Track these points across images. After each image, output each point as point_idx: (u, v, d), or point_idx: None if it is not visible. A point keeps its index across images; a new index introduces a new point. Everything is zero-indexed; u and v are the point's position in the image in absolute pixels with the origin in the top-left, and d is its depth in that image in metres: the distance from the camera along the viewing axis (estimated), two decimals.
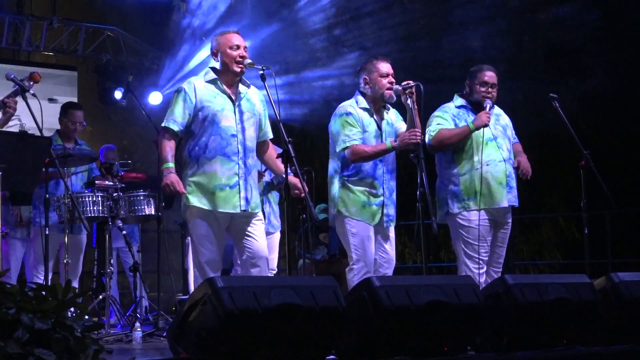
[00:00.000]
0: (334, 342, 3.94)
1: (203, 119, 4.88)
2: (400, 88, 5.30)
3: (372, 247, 5.31)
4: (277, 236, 6.57)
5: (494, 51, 9.62)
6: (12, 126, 6.99)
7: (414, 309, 3.96)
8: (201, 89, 4.93)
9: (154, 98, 10.11)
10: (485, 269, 5.52)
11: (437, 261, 10.75)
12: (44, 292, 2.93)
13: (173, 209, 8.10)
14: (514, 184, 5.62)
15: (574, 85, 10.16)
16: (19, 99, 5.24)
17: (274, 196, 6.60)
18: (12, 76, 5.25)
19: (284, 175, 4.77)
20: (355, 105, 5.43)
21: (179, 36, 10.54)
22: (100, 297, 6.62)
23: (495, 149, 5.57)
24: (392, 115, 5.55)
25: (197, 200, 4.85)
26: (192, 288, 7.40)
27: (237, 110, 4.93)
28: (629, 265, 8.35)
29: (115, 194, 6.41)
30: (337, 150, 5.38)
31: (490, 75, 5.65)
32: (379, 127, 5.44)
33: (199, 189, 4.84)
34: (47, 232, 5.71)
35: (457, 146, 5.57)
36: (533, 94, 9.46)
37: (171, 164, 4.81)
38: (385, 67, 5.40)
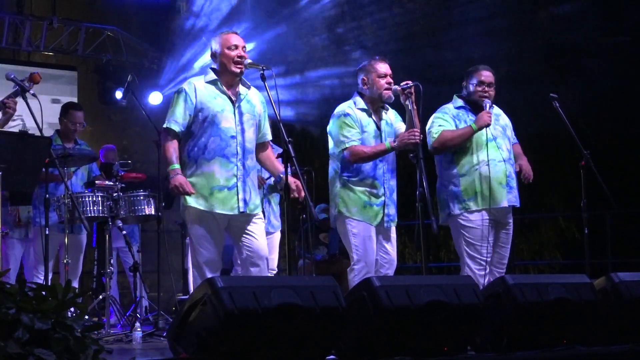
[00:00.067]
0: (334, 342, 3.94)
1: (203, 120, 4.88)
2: (399, 88, 5.31)
3: (373, 248, 5.32)
4: (277, 236, 6.57)
5: (494, 51, 9.62)
6: (14, 126, 7.02)
7: (414, 309, 3.96)
8: (201, 89, 4.93)
9: (154, 98, 10.12)
10: (488, 270, 5.52)
11: (437, 261, 10.76)
12: (44, 292, 2.93)
13: (173, 209, 8.11)
14: (514, 184, 5.62)
15: (574, 85, 10.15)
16: (19, 99, 5.24)
17: (274, 196, 6.60)
18: (12, 76, 5.25)
19: (281, 175, 4.77)
20: (353, 106, 5.43)
21: (181, 37, 10.54)
22: (100, 297, 6.62)
23: (495, 149, 5.56)
24: (391, 116, 5.56)
25: (195, 201, 4.84)
26: (192, 288, 7.40)
27: (237, 111, 4.93)
28: (629, 265, 8.34)
29: (115, 194, 6.41)
30: (337, 152, 5.38)
31: (486, 75, 5.65)
32: (378, 128, 5.44)
33: (197, 189, 4.84)
34: (47, 232, 5.71)
35: (451, 149, 5.57)
36: (533, 94, 9.46)
37: (177, 165, 4.82)
38: (383, 67, 5.40)
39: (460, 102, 5.70)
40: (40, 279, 6.51)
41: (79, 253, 6.97)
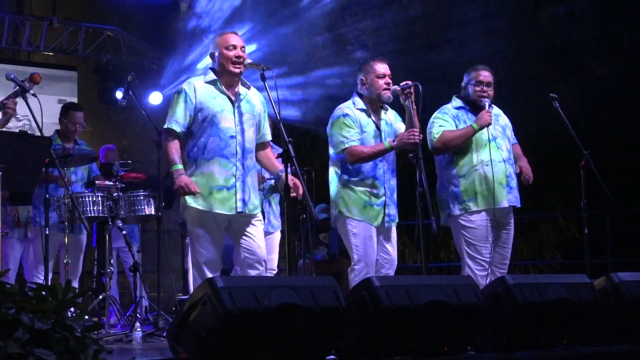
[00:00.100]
0: (334, 342, 3.94)
1: (202, 120, 4.88)
2: (398, 88, 5.31)
3: (373, 248, 5.32)
4: (277, 236, 6.57)
5: (494, 51, 9.62)
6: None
7: (414, 309, 3.96)
8: (201, 89, 4.93)
9: (154, 98, 10.13)
10: (489, 270, 5.51)
11: (437, 261, 10.76)
12: (44, 292, 2.93)
13: (173, 209, 8.10)
14: (514, 184, 5.61)
15: (574, 85, 10.15)
16: (19, 99, 5.24)
17: (274, 196, 6.60)
18: (12, 76, 5.25)
19: (280, 173, 4.77)
20: (352, 107, 5.43)
21: (183, 37, 10.54)
22: (100, 297, 6.62)
23: (495, 149, 5.56)
24: (390, 116, 5.56)
25: (194, 201, 4.84)
26: (192, 288, 7.40)
27: (236, 111, 4.93)
28: (629, 265, 8.34)
29: (115, 194, 6.41)
30: (336, 152, 5.39)
31: (485, 75, 5.65)
32: (378, 128, 5.44)
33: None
34: (47, 232, 5.71)
35: (453, 150, 5.56)
36: (533, 94, 9.46)
37: (180, 166, 4.82)
38: (382, 67, 5.41)
39: (459, 103, 5.70)
40: (40, 279, 6.51)
41: (79, 253, 6.97)
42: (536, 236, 11.12)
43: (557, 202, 11.22)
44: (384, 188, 5.37)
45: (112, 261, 6.60)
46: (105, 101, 10.32)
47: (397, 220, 5.45)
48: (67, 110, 7.09)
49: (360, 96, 5.46)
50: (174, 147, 4.87)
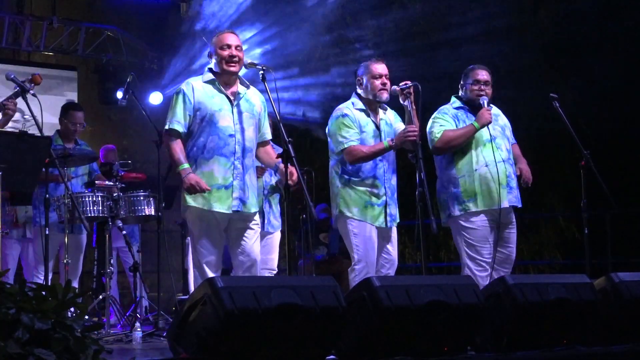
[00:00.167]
0: (334, 342, 3.94)
1: (201, 119, 4.90)
2: (398, 89, 5.31)
3: (374, 248, 5.32)
4: (277, 236, 6.57)
5: (493, 51, 9.61)
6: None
7: (414, 309, 3.96)
8: (199, 89, 4.95)
9: (155, 98, 10.13)
10: (489, 271, 5.51)
11: (437, 261, 10.75)
12: (44, 292, 2.93)
13: (173, 209, 8.10)
14: (514, 184, 5.61)
15: (574, 85, 10.15)
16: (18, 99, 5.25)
17: (274, 196, 6.60)
18: (12, 76, 5.25)
19: (278, 165, 4.78)
20: (351, 107, 5.44)
21: (185, 37, 10.54)
22: (100, 297, 6.62)
23: (495, 149, 5.56)
24: (390, 116, 5.56)
25: (194, 200, 4.86)
26: (192, 288, 7.40)
27: (235, 110, 4.94)
28: (629, 265, 8.34)
29: (115, 194, 6.41)
30: (336, 152, 5.39)
31: (482, 74, 5.65)
32: (377, 128, 5.44)
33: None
34: (47, 232, 5.71)
35: (455, 149, 5.56)
36: (533, 94, 9.46)
37: (187, 165, 4.83)
38: (378, 68, 5.41)
39: (458, 103, 5.71)
40: (40, 279, 6.51)
41: (79, 253, 6.97)
42: (536, 236, 11.11)
43: (557, 202, 11.21)
44: (385, 188, 5.38)
45: (112, 261, 6.60)
46: (105, 101, 10.32)
47: (397, 220, 5.45)
48: (67, 110, 7.09)
49: (359, 96, 5.47)
50: (178, 147, 4.89)
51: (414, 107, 5.25)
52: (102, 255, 7.29)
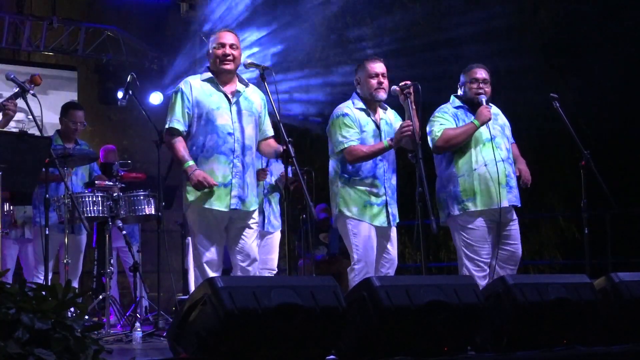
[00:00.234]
0: (334, 342, 3.94)
1: (199, 118, 4.92)
2: (397, 89, 5.31)
3: (373, 247, 5.32)
4: (277, 236, 6.57)
5: (493, 51, 9.61)
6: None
7: (414, 309, 3.96)
8: (197, 87, 4.97)
9: (155, 98, 10.13)
10: (487, 272, 5.51)
11: (437, 261, 10.75)
12: (44, 292, 2.93)
13: (173, 208, 8.11)
14: (513, 183, 5.61)
15: (574, 85, 10.15)
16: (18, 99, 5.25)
17: (274, 196, 6.61)
18: (12, 76, 5.25)
19: (278, 151, 4.77)
20: (351, 106, 5.44)
21: (188, 37, 10.54)
22: (100, 297, 6.62)
23: (494, 148, 5.56)
24: (390, 116, 5.56)
25: (195, 200, 4.88)
26: (192, 288, 7.40)
27: (233, 108, 4.95)
28: (629, 265, 8.34)
29: (115, 194, 6.41)
30: (336, 152, 5.39)
31: (480, 72, 5.66)
32: (378, 127, 5.44)
33: (194, 188, 4.86)
34: (47, 232, 5.71)
35: (455, 148, 5.56)
36: (533, 94, 9.45)
37: (192, 162, 4.85)
38: (374, 67, 5.41)
39: (458, 102, 5.71)
40: (40, 279, 6.51)
41: (79, 253, 6.98)
42: (536, 236, 11.10)
43: (557, 202, 11.21)
44: (385, 187, 5.37)
45: (112, 261, 6.60)
46: (105, 101, 10.32)
47: (397, 220, 5.45)
48: (67, 109, 7.10)
49: (359, 96, 5.48)
50: (181, 145, 4.90)
51: (413, 107, 5.24)
52: (102, 255, 7.29)
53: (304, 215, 7.94)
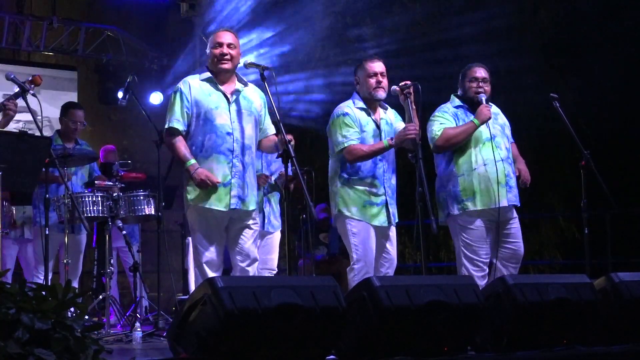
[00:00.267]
0: (334, 342, 3.94)
1: (198, 117, 4.93)
2: (397, 89, 5.31)
3: (372, 247, 5.32)
4: (277, 236, 6.57)
5: (493, 51, 9.61)
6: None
7: (414, 309, 3.96)
8: (196, 87, 4.97)
9: (155, 98, 10.13)
10: (486, 271, 5.51)
11: (437, 261, 10.75)
12: (44, 292, 2.93)
13: (173, 209, 8.11)
14: (513, 183, 5.61)
15: (574, 85, 10.14)
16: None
17: (274, 196, 6.61)
18: (12, 76, 5.25)
19: (280, 142, 4.77)
20: (352, 106, 5.45)
21: (191, 38, 10.53)
22: (100, 297, 6.62)
23: (494, 148, 5.56)
24: (390, 116, 5.56)
25: (196, 200, 4.88)
26: (192, 288, 7.40)
27: (231, 108, 4.94)
28: (629, 265, 8.34)
29: (115, 194, 6.41)
30: (336, 151, 5.39)
31: (479, 71, 5.66)
32: (378, 127, 5.44)
33: (197, 187, 4.87)
34: (47, 232, 5.71)
35: (456, 147, 5.56)
36: (533, 94, 9.46)
37: (193, 160, 4.86)
38: (372, 66, 5.41)
39: (458, 102, 5.71)
40: (40, 279, 6.51)
41: (79, 253, 6.98)
42: (536, 236, 11.10)
43: (557, 202, 11.20)
44: (384, 187, 5.38)
45: (112, 261, 6.60)
46: (105, 101, 10.31)
47: (396, 220, 5.45)
48: (67, 109, 7.11)
49: (359, 95, 5.48)
50: (182, 144, 4.90)
51: (413, 107, 5.25)
52: (102, 255, 7.29)
53: (304, 215, 7.95)
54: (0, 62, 9.78)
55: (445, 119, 5.61)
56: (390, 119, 5.54)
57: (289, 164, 4.82)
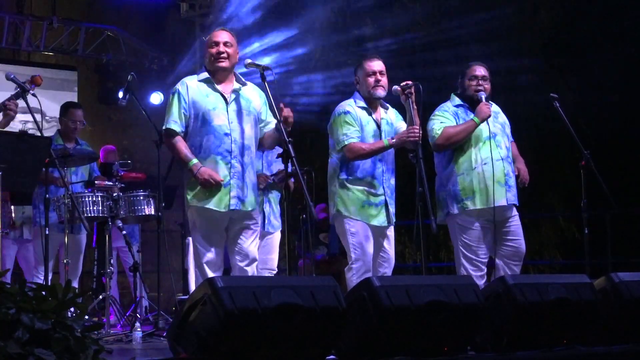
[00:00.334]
0: (334, 342, 3.94)
1: (196, 119, 4.92)
2: (399, 88, 5.31)
3: (371, 247, 5.32)
4: (277, 236, 6.57)
5: (493, 51, 9.61)
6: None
7: (414, 309, 3.96)
8: (194, 88, 4.96)
9: (155, 98, 10.13)
10: (484, 271, 5.51)
11: (437, 261, 10.75)
12: (44, 292, 2.93)
13: (173, 209, 8.11)
14: (512, 182, 5.61)
15: (574, 85, 10.14)
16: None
17: (274, 196, 6.60)
18: (13, 77, 5.25)
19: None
20: (353, 104, 5.45)
21: (187, 36, 10.53)
22: (100, 297, 6.62)
23: (494, 147, 5.55)
24: (391, 115, 5.56)
25: (196, 200, 4.88)
26: (192, 288, 7.40)
27: (229, 108, 4.93)
28: (629, 265, 8.34)
29: (115, 194, 6.41)
30: (336, 149, 5.40)
31: (479, 69, 5.67)
32: (378, 127, 5.44)
33: (197, 188, 4.86)
34: (47, 232, 5.71)
35: (456, 145, 5.56)
36: (533, 93, 9.45)
37: (195, 160, 4.84)
38: (371, 65, 5.42)
39: (458, 101, 5.71)
40: (40, 279, 6.51)
41: (78, 253, 6.98)
42: (536, 236, 11.09)
43: (557, 202, 11.20)
44: (383, 187, 5.38)
45: (112, 261, 6.60)
46: (105, 101, 10.32)
47: (394, 220, 5.46)
48: (66, 108, 7.12)
49: (360, 95, 5.48)
50: (182, 144, 4.90)
51: (415, 106, 5.25)
52: (102, 255, 7.29)
53: (304, 215, 7.94)
54: (0, 62, 9.78)
55: (446, 118, 5.61)
56: (391, 118, 5.54)
57: (289, 164, 4.82)
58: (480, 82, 5.63)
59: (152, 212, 6.58)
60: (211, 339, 3.58)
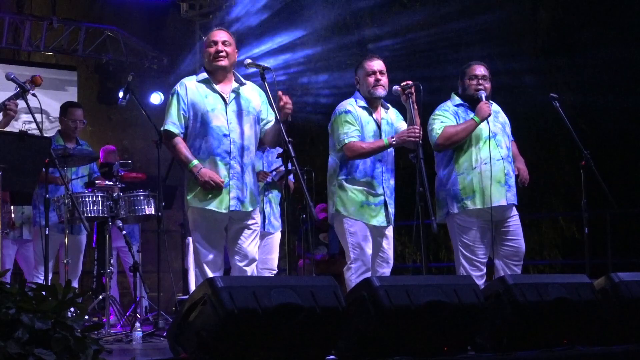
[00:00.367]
0: (334, 342, 3.94)
1: (195, 120, 4.90)
2: (399, 88, 5.31)
3: (370, 247, 5.32)
4: (277, 236, 6.57)
5: (493, 51, 9.62)
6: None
7: (414, 309, 3.96)
8: (192, 89, 4.94)
9: (155, 98, 10.13)
10: (484, 271, 5.51)
11: (437, 261, 10.75)
12: (44, 292, 2.93)
13: (173, 208, 8.11)
14: (512, 182, 5.61)
15: (574, 85, 10.15)
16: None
17: (274, 196, 6.61)
18: (13, 76, 5.25)
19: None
20: (354, 104, 5.45)
21: (187, 36, 10.53)
22: (100, 297, 6.63)
23: (494, 146, 5.55)
24: (392, 115, 5.56)
25: (196, 201, 4.87)
26: (192, 288, 7.40)
27: (228, 109, 4.92)
28: (629, 265, 8.34)
29: (115, 194, 6.41)
30: (336, 148, 5.40)
31: (479, 69, 5.67)
32: (379, 127, 5.44)
33: (197, 189, 4.86)
34: (47, 232, 5.71)
35: (457, 145, 5.56)
36: (533, 94, 9.46)
37: (196, 161, 4.82)
38: (371, 65, 5.42)
39: (458, 100, 5.71)
40: (40, 279, 6.51)
41: (78, 253, 6.98)
42: (536, 236, 11.10)
43: (557, 202, 11.20)
44: (382, 187, 5.38)
45: (112, 261, 6.60)
46: (105, 101, 10.33)
47: (393, 220, 5.46)
48: (66, 108, 7.12)
49: (361, 94, 5.49)
50: (182, 146, 4.88)
51: (415, 106, 5.25)
52: (102, 255, 7.29)
53: (304, 215, 7.94)
54: (0, 62, 9.79)
55: (446, 117, 5.61)
56: (392, 118, 5.54)
57: (289, 164, 4.81)
58: (481, 81, 5.63)
59: (152, 212, 6.58)
60: (211, 339, 3.58)
